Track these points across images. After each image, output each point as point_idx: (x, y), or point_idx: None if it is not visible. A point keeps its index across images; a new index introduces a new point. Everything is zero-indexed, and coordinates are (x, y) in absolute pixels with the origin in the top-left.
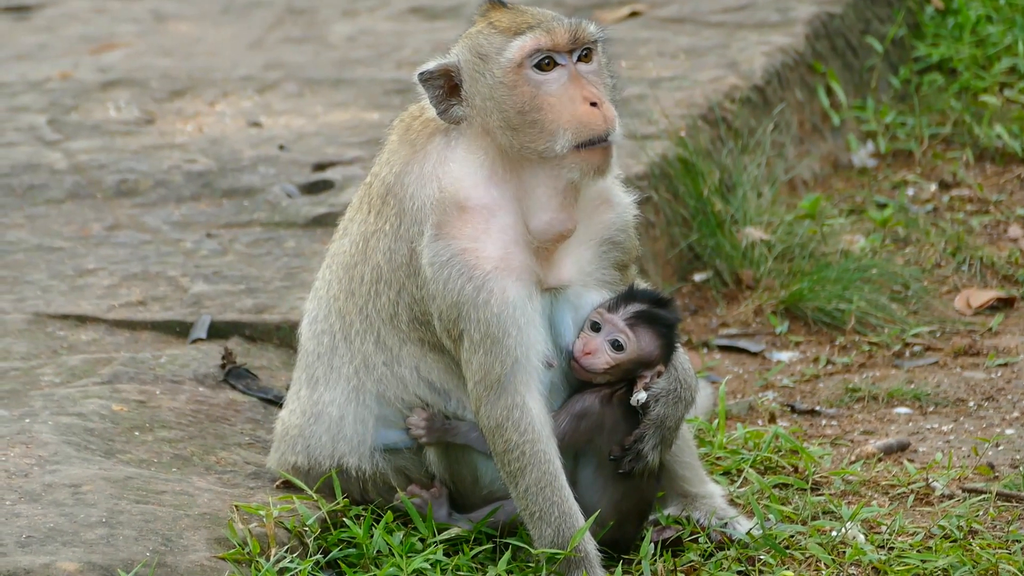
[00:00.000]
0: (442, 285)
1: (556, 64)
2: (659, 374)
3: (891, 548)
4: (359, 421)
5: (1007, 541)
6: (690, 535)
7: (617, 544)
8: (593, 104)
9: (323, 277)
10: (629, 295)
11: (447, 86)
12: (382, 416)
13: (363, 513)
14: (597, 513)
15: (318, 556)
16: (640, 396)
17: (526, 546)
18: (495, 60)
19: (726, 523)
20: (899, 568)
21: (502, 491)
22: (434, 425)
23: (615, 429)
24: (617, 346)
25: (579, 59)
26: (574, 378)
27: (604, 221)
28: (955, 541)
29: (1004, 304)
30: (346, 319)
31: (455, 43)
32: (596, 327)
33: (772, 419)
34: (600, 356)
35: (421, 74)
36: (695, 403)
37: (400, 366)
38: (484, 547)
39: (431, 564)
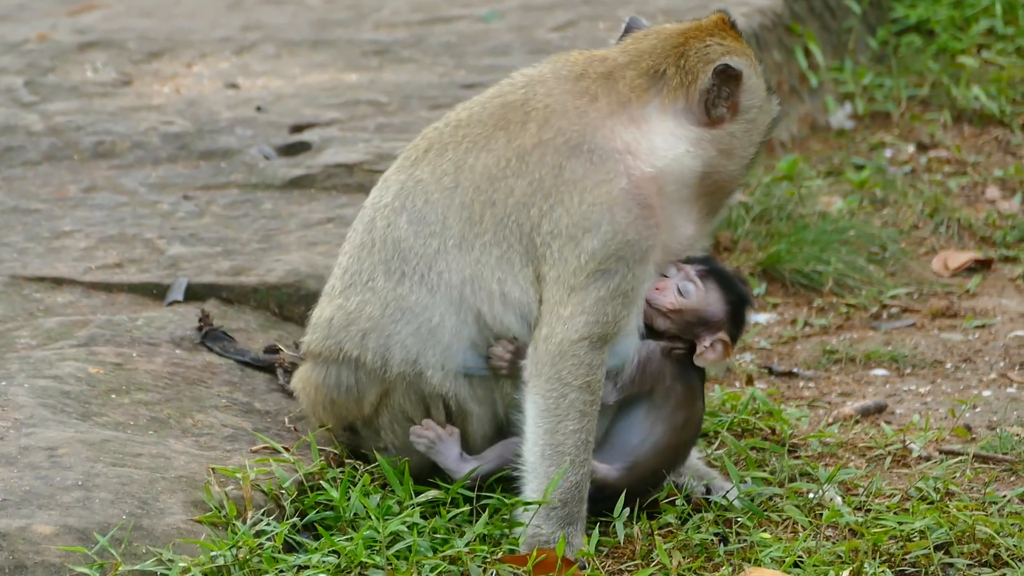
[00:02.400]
0: (618, 218)
1: None
2: (723, 344)
3: (868, 510)
4: (456, 335)
5: (984, 503)
6: (666, 497)
7: (645, 492)
8: None
9: (439, 183)
10: (707, 259)
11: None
12: (472, 337)
13: (340, 476)
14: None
15: (295, 519)
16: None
17: (525, 501)
18: (771, 106)
19: (707, 485)
20: (876, 530)
21: None
22: (518, 359)
23: (675, 380)
24: (686, 290)
25: None
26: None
27: None
28: (932, 503)
29: (982, 266)
30: (476, 227)
31: (716, 41)
32: (673, 272)
33: (750, 381)
34: (667, 295)
35: (726, 67)
36: None
37: (512, 284)
38: (461, 509)
39: (408, 527)
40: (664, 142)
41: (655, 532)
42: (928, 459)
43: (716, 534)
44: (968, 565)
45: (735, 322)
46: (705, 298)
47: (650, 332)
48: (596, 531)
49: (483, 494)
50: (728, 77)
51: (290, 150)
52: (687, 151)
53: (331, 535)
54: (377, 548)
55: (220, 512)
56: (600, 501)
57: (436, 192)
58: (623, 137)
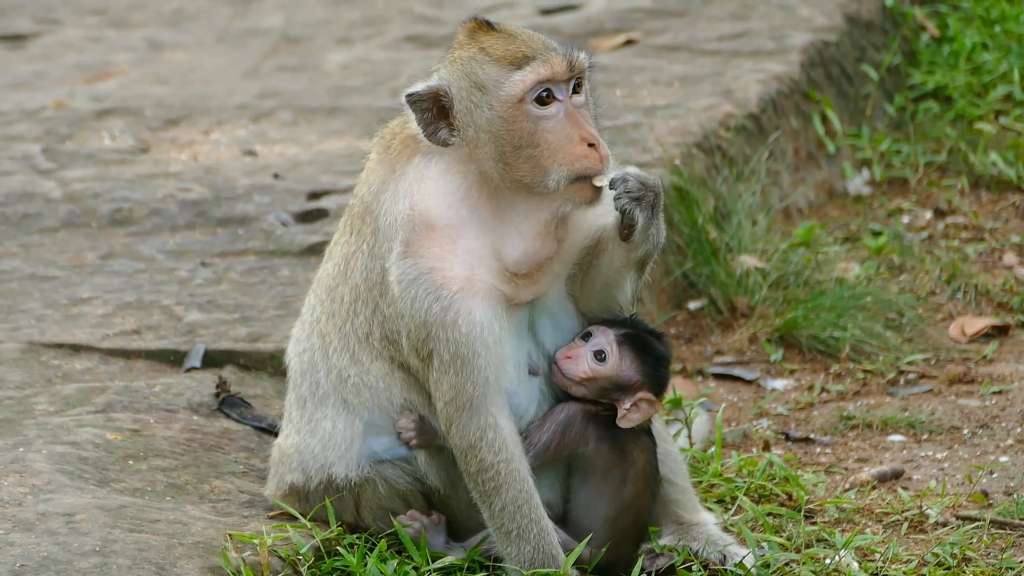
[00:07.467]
0: (410, 304)
1: (554, 98)
2: (647, 403)
3: None
4: (348, 427)
5: (1001, 569)
6: (683, 563)
7: (613, 567)
8: (591, 145)
9: (308, 302)
10: (628, 320)
11: (435, 109)
12: (371, 423)
13: (357, 542)
14: (590, 536)
15: None
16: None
17: (516, 568)
18: (494, 93)
19: (723, 552)
20: None
21: None
22: (424, 427)
23: (600, 442)
24: (600, 357)
25: (572, 91)
26: (559, 389)
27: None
28: (949, 569)
29: (999, 332)
30: (325, 338)
31: (441, 63)
32: (587, 336)
33: (766, 447)
34: (580, 363)
35: (409, 96)
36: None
37: (369, 376)
38: (478, 575)
39: None
40: None
41: None
42: (945, 525)
43: None
44: None
45: (656, 379)
46: (619, 364)
47: (568, 395)
48: None
49: (498, 564)
50: (421, 101)
51: (307, 217)
52: None
53: None
54: None
55: None
56: (600, 572)
57: (306, 313)
58: None
